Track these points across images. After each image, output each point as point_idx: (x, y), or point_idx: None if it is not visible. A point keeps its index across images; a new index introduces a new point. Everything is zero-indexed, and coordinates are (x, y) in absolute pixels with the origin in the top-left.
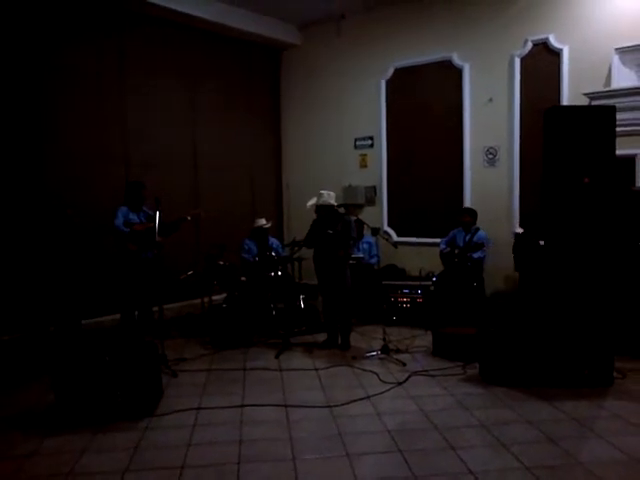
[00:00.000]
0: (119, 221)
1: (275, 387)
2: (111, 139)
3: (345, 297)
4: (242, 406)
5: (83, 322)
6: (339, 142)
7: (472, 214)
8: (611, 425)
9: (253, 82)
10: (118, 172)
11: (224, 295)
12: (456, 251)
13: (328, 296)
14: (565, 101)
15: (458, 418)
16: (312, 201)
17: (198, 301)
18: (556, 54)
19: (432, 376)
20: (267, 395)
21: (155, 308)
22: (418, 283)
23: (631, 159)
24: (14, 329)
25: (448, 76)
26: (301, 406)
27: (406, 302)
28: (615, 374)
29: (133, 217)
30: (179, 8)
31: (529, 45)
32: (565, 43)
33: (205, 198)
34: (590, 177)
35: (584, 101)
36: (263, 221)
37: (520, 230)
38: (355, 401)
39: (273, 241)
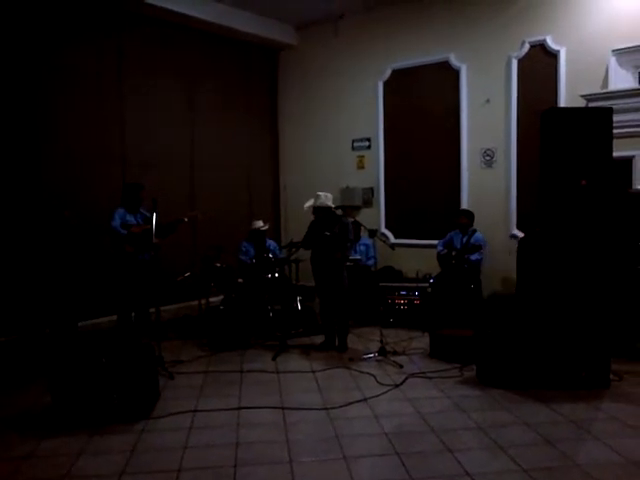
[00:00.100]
0: (116, 223)
1: (272, 389)
2: (109, 139)
3: (342, 299)
4: (239, 408)
5: (80, 324)
6: (336, 143)
7: (469, 216)
8: (608, 427)
9: (251, 82)
10: (116, 173)
11: (221, 297)
12: (453, 253)
13: (325, 298)
14: (562, 103)
15: (455, 420)
16: (309, 203)
17: (195, 303)
18: (553, 56)
19: (429, 378)
20: (264, 397)
21: (152, 310)
22: (415, 285)
23: (628, 161)
24: (10, 331)
25: (445, 77)
26: (298, 408)
27: (403, 304)
28: (612, 376)
29: (130, 218)
30: (177, 9)
31: (526, 46)
32: (562, 45)
33: (202, 199)
34: (587, 179)
35: (581, 103)
36: (260, 223)
37: (518, 232)
38: (352, 403)
39: (270, 243)
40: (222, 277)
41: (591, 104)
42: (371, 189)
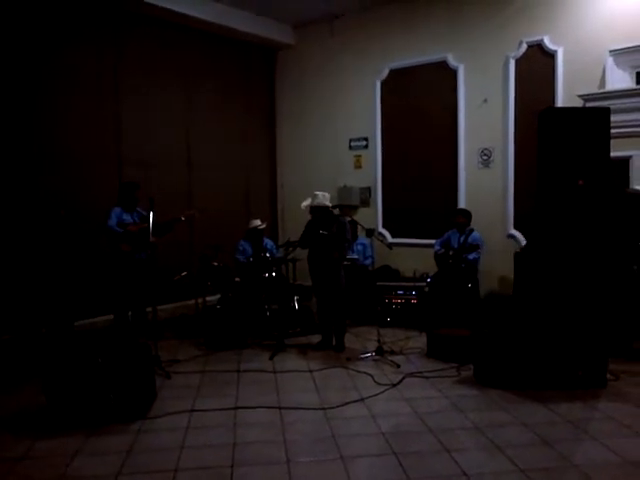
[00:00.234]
0: (112, 222)
1: (269, 389)
2: (106, 139)
3: (339, 298)
4: (236, 408)
5: (76, 323)
6: (334, 143)
7: (466, 215)
8: (605, 427)
9: (248, 82)
10: (113, 172)
11: (218, 296)
12: (450, 252)
13: (322, 297)
14: (559, 103)
15: (452, 420)
16: (306, 202)
17: (192, 302)
18: (551, 56)
19: (426, 378)
20: (261, 397)
21: (149, 309)
22: (412, 284)
23: (625, 161)
24: (5, 330)
25: (443, 77)
26: (295, 408)
27: (400, 303)
28: (609, 376)
29: (127, 218)
30: (176, 8)
31: (524, 46)
32: (560, 45)
33: (199, 198)
34: (584, 179)
35: (578, 103)
36: (258, 222)
37: (515, 232)
38: (349, 403)
39: (267, 242)
40: (219, 276)
41: (588, 104)
42: (368, 188)
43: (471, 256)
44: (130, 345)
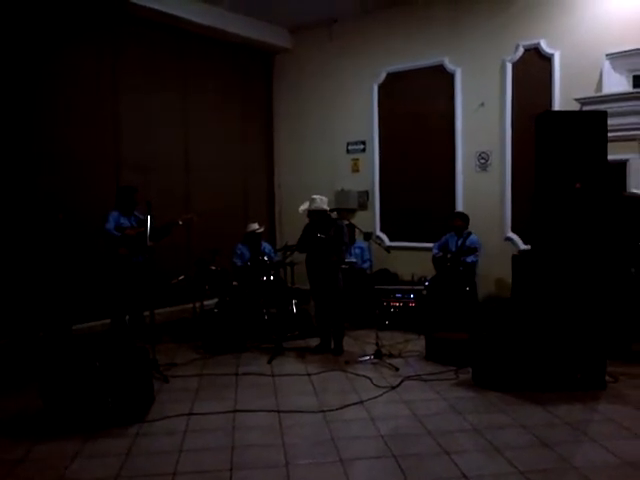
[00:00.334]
0: (110, 225)
1: (268, 392)
2: (104, 142)
3: (337, 302)
4: (234, 412)
5: (74, 327)
6: (331, 146)
7: (464, 218)
8: (604, 429)
9: (246, 86)
10: (110, 175)
11: (216, 300)
12: (448, 255)
13: (320, 301)
14: (556, 106)
15: (451, 423)
16: (304, 206)
17: (190, 306)
18: (547, 59)
19: (425, 381)
20: (260, 400)
21: (146, 313)
22: (411, 288)
23: (622, 164)
24: (2, 334)
25: (440, 81)
26: (294, 411)
27: (399, 307)
28: (607, 378)
29: (124, 221)
30: (174, 12)
31: (520, 50)
32: (556, 48)
33: (197, 201)
34: (582, 182)
35: (575, 106)
36: (256, 226)
37: (513, 235)
38: (348, 406)
39: (265, 245)
40: (217, 280)
41: (585, 108)
42: (366, 192)
43: (469, 259)
44: (128, 349)
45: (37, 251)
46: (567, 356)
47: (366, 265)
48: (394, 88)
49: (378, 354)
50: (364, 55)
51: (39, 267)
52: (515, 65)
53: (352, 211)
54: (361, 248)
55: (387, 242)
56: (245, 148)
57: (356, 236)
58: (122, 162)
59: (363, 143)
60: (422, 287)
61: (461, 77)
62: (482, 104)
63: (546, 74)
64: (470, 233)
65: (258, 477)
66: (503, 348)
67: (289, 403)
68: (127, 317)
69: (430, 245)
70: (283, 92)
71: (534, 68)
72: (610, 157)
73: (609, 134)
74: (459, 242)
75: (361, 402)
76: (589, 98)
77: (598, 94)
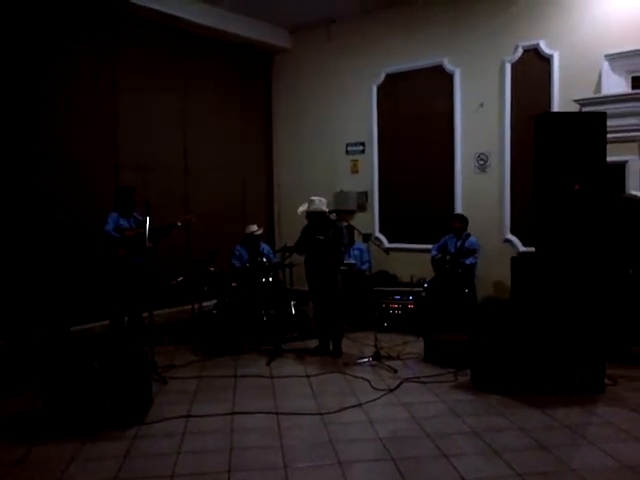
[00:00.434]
0: (109, 227)
1: (266, 394)
2: (102, 143)
3: (336, 303)
4: (233, 414)
5: (72, 328)
6: (331, 147)
7: (463, 220)
8: (603, 432)
9: (245, 86)
10: (109, 176)
11: (215, 301)
12: (447, 257)
13: (319, 302)
14: (555, 107)
15: (450, 425)
16: (303, 207)
17: (189, 307)
18: (546, 60)
19: (424, 383)
20: (258, 402)
21: (145, 314)
22: (409, 289)
23: (621, 166)
24: (1, 336)
25: (439, 82)
26: (292, 413)
27: (397, 308)
28: (606, 381)
29: (123, 222)
30: (173, 12)
31: (520, 51)
32: (555, 49)
33: (196, 202)
34: (581, 184)
35: (574, 107)
36: (255, 227)
37: (512, 237)
38: (347, 408)
39: (264, 247)
40: (216, 281)
41: (584, 109)
42: (365, 193)
43: (468, 261)
44: (126, 350)
45: (35, 251)
46: (566, 358)
47: (365, 266)
48: (393, 89)
49: (377, 356)
50: (363, 55)
51: (37, 268)
52: (514, 66)
53: (351, 212)
54: (360, 249)
55: (386, 243)
56: (244, 148)
57: (355, 237)
58: (121, 162)
59: (362, 144)
60: (421, 289)
61: (460, 78)
62: (481, 105)
63: (545, 75)
64: (469, 235)
65: (256, 479)
66: (502, 350)
67: (288, 405)
68: (126, 318)
69: (429, 247)
70: (282, 92)
71: (533, 69)
72: (609, 158)
73: (608, 135)
74: (458, 244)
75: (360, 404)
76: (588, 99)
77: (597, 95)
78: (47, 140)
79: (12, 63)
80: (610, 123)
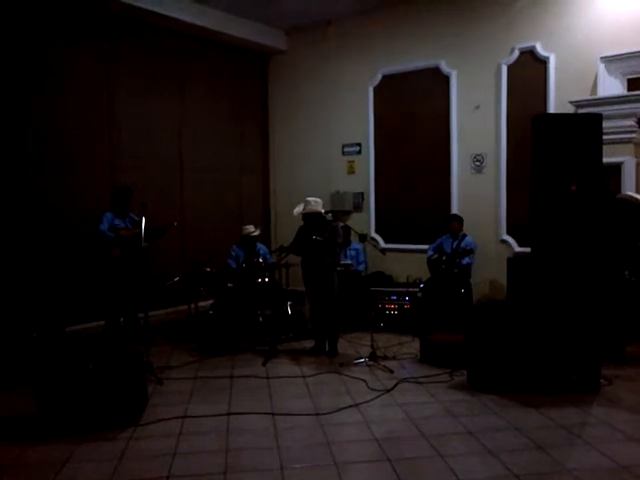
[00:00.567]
0: (104, 227)
1: (262, 395)
2: (100, 143)
3: (332, 304)
4: (229, 414)
5: (67, 329)
6: (327, 148)
7: (459, 220)
8: (598, 432)
9: (241, 87)
10: (105, 176)
11: (211, 301)
12: (443, 257)
13: (315, 303)
14: (551, 109)
15: (446, 426)
16: (299, 208)
17: (184, 307)
18: (543, 62)
19: (420, 383)
20: (254, 403)
21: (141, 314)
22: (406, 290)
23: (617, 167)
24: None
25: (436, 83)
26: (288, 414)
27: (394, 309)
28: (602, 381)
29: (119, 222)
30: (170, 13)
31: (516, 53)
32: (552, 51)
33: (192, 203)
34: (577, 184)
35: (570, 109)
36: (251, 228)
37: (508, 237)
38: (343, 409)
39: (261, 247)
40: (212, 281)
41: (580, 110)
42: (361, 194)
43: (464, 261)
44: (122, 351)
45: (30, 252)
46: (561, 359)
47: (361, 267)
48: (390, 90)
49: (373, 356)
50: (360, 57)
51: (32, 268)
52: (510, 68)
53: (347, 213)
54: (356, 250)
55: (382, 244)
56: (241, 149)
57: (351, 238)
58: (117, 163)
59: (358, 145)
60: (417, 289)
61: (457, 79)
62: (478, 107)
63: (541, 77)
64: (465, 235)
65: None
66: (498, 350)
67: (284, 406)
68: (121, 319)
69: (425, 247)
70: (279, 93)
71: (529, 71)
72: (605, 160)
73: (604, 137)
74: (454, 244)
75: (356, 405)
76: (584, 101)
77: (593, 97)
78: (44, 141)
79: (10, 63)
80: (606, 125)
